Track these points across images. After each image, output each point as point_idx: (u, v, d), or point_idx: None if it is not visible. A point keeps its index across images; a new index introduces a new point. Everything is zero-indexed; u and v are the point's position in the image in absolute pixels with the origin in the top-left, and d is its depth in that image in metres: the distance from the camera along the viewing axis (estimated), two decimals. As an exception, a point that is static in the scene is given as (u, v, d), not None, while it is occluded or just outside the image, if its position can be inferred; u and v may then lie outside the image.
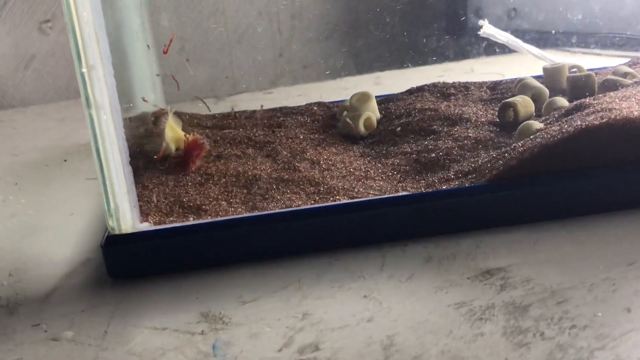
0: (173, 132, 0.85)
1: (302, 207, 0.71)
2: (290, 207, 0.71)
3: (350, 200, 0.71)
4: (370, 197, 0.71)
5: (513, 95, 0.89)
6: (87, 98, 0.64)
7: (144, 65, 0.98)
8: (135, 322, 0.62)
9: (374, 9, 1.26)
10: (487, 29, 0.95)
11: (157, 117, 0.98)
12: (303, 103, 1.01)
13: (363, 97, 0.91)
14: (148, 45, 0.94)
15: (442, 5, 1.25)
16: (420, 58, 1.22)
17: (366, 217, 0.69)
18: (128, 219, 0.68)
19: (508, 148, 0.72)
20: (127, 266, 0.68)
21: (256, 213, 0.71)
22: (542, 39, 1.11)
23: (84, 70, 0.64)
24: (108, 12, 0.68)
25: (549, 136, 0.70)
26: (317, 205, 0.71)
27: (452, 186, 0.71)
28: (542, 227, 0.69)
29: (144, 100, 0.93)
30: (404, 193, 0.71)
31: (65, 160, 1.01)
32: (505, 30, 1.01)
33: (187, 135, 0.84)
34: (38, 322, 0.63)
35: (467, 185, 0.70)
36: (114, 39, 0.81)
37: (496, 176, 0.69)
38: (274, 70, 1.42)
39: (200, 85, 1.29)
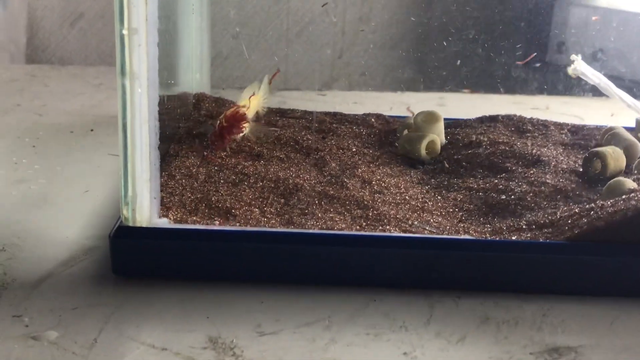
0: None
1: (346, 231, 0.61)
2: (332, 229, 0.61)
3: (402, 234, 0.61)
4: (426, 235, 0.61)
5: (599, 145, 0.78)
6: (122, 65, 0.55)
7: (194, 42, 0.89)
8: (132, 334, 0.52)
9: (447, 25, 1.16)
10: (579, 66, 0.84)
11: (199, 99, 0.89)
12: (358, 112, 0.91)
13: (430, 117, 0.80)
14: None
15: (523, 33, 1.14)
16: (492, 85, 1.12)
17: (418, 256, 0.59)
18: (145, 211, 0.58)
19: (594, 205, 0.62)
20: (136, 264, 0.59)
21: (292, 229, 0.61)
22: (631, 87, 1.00)
23: (125, 32, 0.55)
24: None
25: (646, 200, 0.59)
26: (362, 233, 0.61)
27: (523, 238, 0.60)
28: (621, 304, 0.58)
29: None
30: (467, 237, 0.61)
31: (92, 130, 0.93)
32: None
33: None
34: (20, 314, 0.54)
35: (541, 239, 0.60)
36: (166, 6, 0.72)
37: (578, 236, 0.59)
38: (330, 71, 1.33)
39: (252, 74, 1.20)
